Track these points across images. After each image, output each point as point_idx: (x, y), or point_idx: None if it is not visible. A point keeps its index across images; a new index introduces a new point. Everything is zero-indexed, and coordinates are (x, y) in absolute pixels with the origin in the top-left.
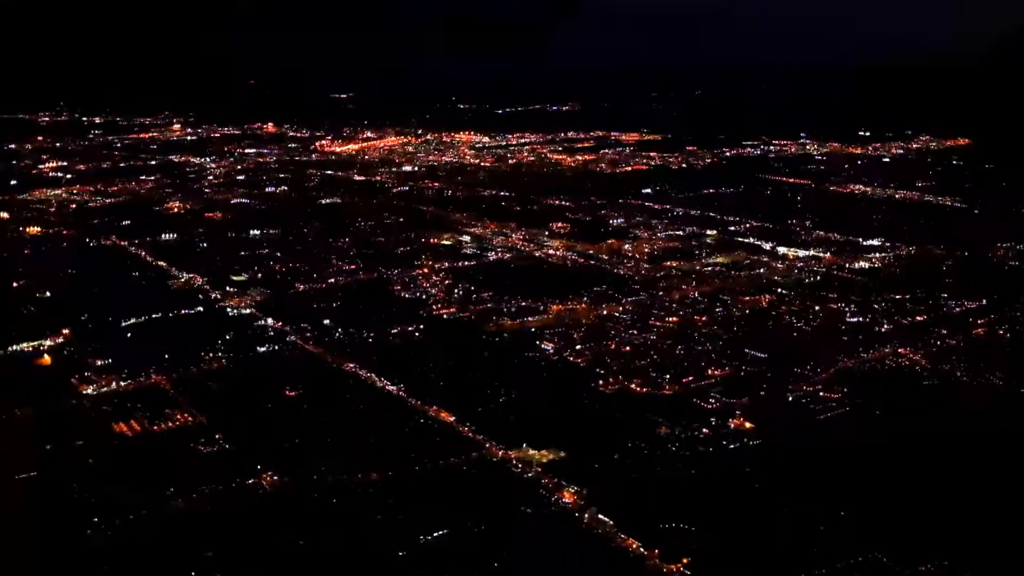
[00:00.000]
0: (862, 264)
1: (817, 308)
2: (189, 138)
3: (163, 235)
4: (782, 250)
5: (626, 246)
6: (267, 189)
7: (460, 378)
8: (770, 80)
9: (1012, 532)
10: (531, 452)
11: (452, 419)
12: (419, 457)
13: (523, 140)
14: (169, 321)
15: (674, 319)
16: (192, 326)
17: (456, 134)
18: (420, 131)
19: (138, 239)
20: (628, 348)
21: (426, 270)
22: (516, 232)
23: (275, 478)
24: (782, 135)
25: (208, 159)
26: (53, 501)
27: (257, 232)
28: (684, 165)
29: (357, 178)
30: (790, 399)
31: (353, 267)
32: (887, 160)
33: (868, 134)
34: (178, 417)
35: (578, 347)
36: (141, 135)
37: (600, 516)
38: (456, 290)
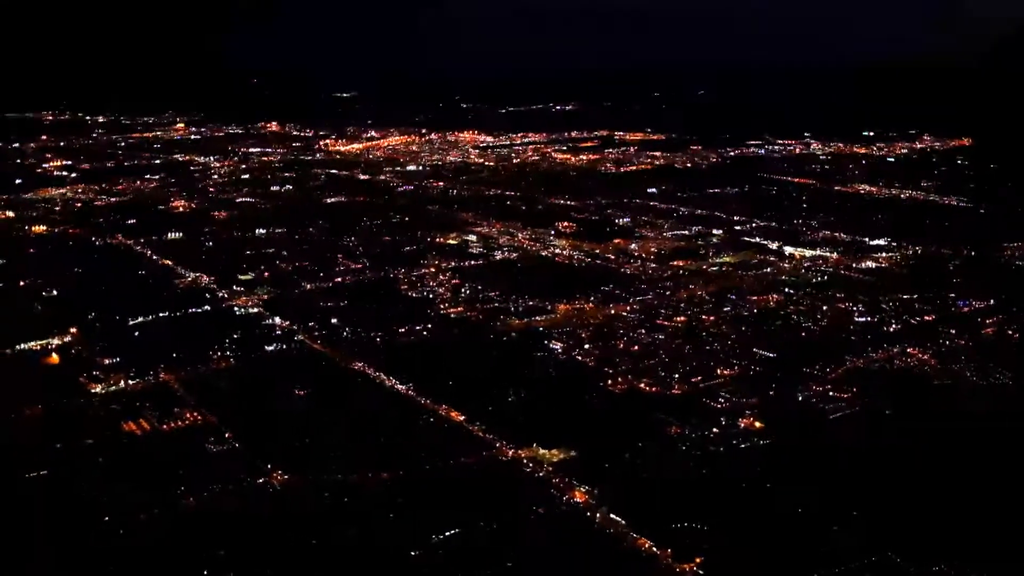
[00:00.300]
0: (869, 264)
1: (825, 308)
2: (193, 137)
3: (169, 234)
4: (789, 250)
5: (632, 246)
6: (272, 188)
7: (469, 377)
8: (771, 79)
9: (1022, 532)
10: (541, 451)
11: (462, 418)
12: (429, 456)
13: (527, 140)
14: (176, 320)
15: (682, 319)
16: (199, 325)
17: (459, 133)
18: (424, 130)
19: (144, 238)
20: (636, 348)
21: (433, 269)
22: (522, 232)
23: (285, 477)
24: (786, 135)
25: (212, 158)
26: (64, 500)
27: (263, 231)
28: (689, 165)
29: (362, 177)
30: (800, 399)
31: (359, 266)
32: (891, 160)
33: (872, 134)
34: (187, 416)
35: (586, 346)
36: (145, 134)
37: (611, 516)
38: (463, 289)
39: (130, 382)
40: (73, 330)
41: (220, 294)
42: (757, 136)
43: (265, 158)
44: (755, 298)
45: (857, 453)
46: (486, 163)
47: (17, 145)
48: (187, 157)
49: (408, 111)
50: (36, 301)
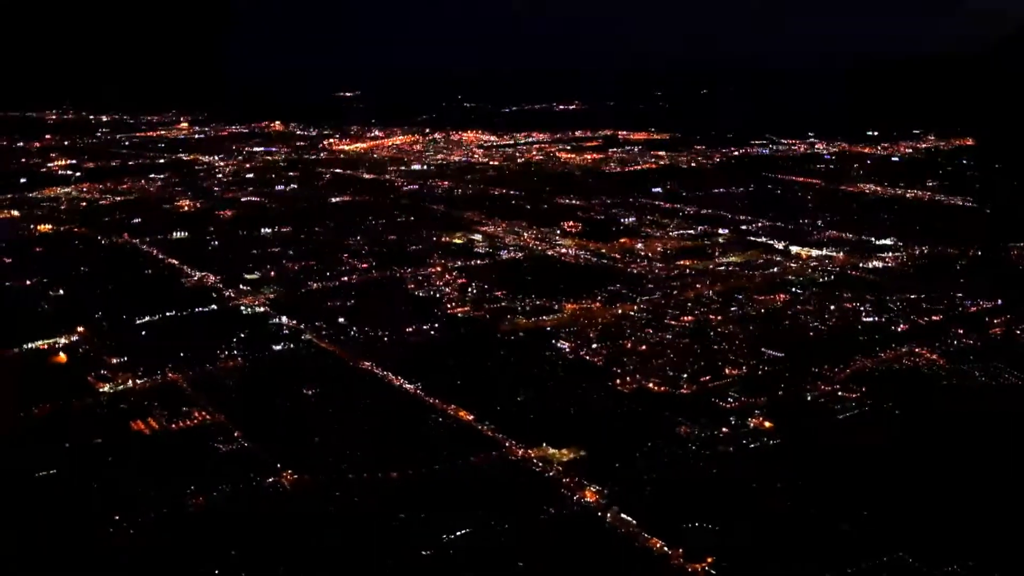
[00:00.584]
0: (875, 264)
1: (832, 307)
2: (196, 136)
3: (174, 233)
4: (795, 249)
5: (638, 245)
6: (277, 188)
7: (477, 377)
8: (772, 79)
9: None
10: (551, 451)
11: (471, 418)
12: (439, 456)
13: (531, 139)
14: (183, 319)
15: (689, 318)
16: (206, 324)
17: (463, 133)
18: (427, 129)
19: (149, 237)
20: (644, 347)
21: (439, 269)
22: (528, 231)
23: (295, 476)
24: (789, 134)
25: (217, 157)
26: (73, 499)
27: (268, 230)
28: (693, 164)
29: (366, 177)
30: (808, 399)
31: (365, 265)
32: (896, 159)
33: (876, 133)
34: (195, 415)
35: (594, 346)
36: (148, 133)
37: (623, 515)
38: (470, 289)
39: (138, 381)
40: (80, 329)
41: (226, 293)
42: (761, 136)
43: (269, 157)
44: (762, 298)
45: (867, 453)
46: (490, 162)
47: (21, 144)
48: (191, 156)
49: (411, 110)
50: (42, 300)
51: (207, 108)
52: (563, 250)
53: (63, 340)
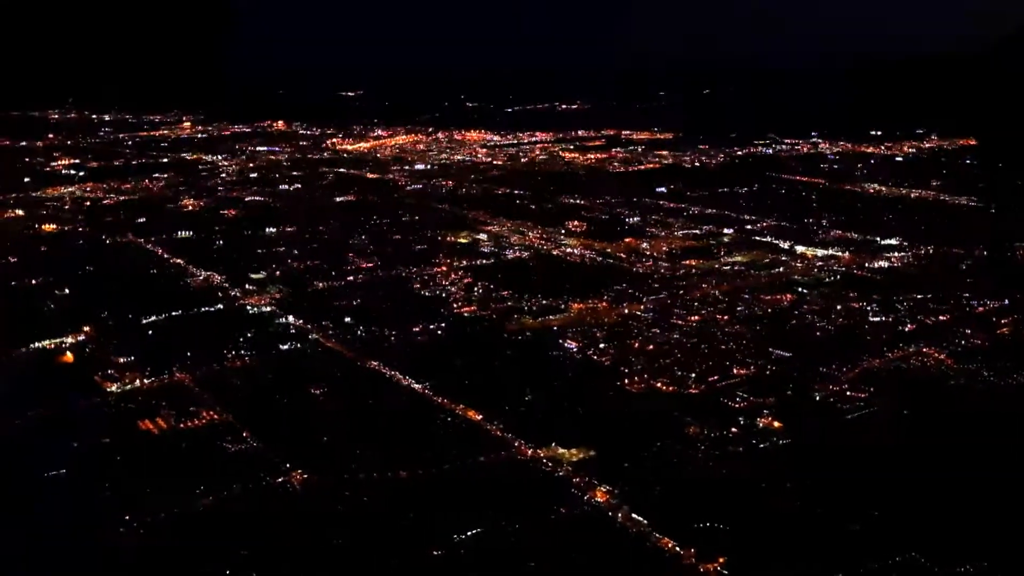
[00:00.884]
0: (881, 264)
1: (839, 307)
2: (199, 136)
3: (179, 232)
4: (800, 249)
5: (644, 244)
6: (281, 187)
7: (485, 376)
8: (774, 78)
9: None
10: (560, 451)
11: (479, 417)
12: (448, 455)
13: (534, 139)
14: (189, 319)
15: (696, 318)
16: (213, 324)
17: (466, 132)
18: (431, 129)
19: (154, 237)
20: (652, 347)
21: (444, 268)
22: (532, 230)
23: (305, 476)
24: (792, 134)
25: (220, 157)
26: (82, 499)
27: (273, 230)
28: (696, 164)
29: (370, 176)
30: (817, 398)
31: (371, 265)
32: (899, 159)
33: (879, 133)
34: (203, 415)
35: (601, 346)
36: (152, 133)
37: (633, 515)
38: (476, 288)
39: (145, 381)
40: (86, 329)
41: (232, 293)
42: (764, 135)
43: (273, 157)
44: (768, 297)
45: (876, 453)
46: (494, 162)
47: (24, 144)
48: (195, 156)
49: (414, 110)
50: (48, 300)
51: (209, 108)
52: (568, 250)
53: (69, 340)
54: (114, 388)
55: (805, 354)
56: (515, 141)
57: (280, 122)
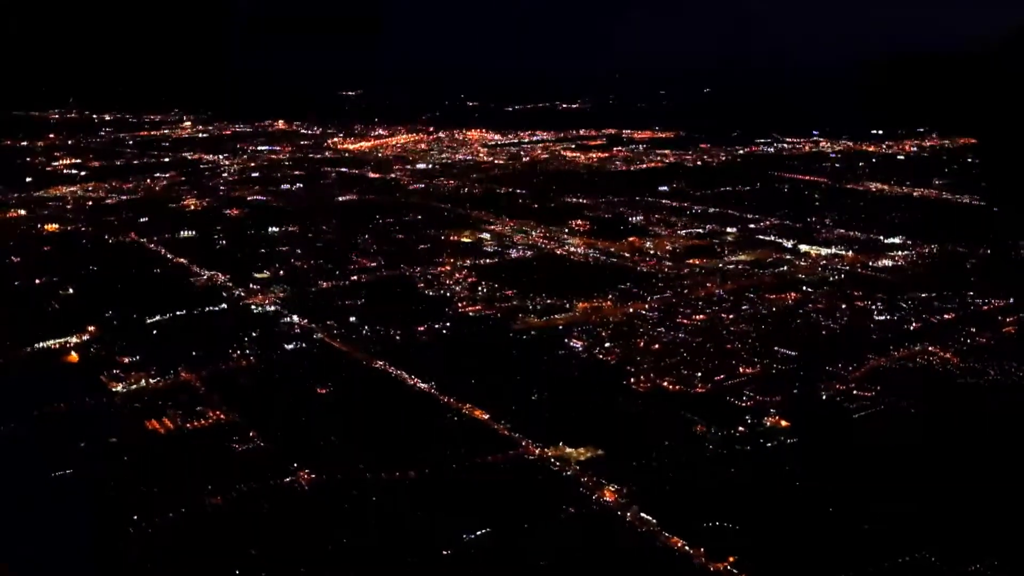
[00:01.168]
0: (885, 262)
1: (843, 306)
2: (200, 135)
3: (182, 232)
4: (804, 248)
5: (647, 244)
6: (283, 187)
7: (491, 376)
8: (774, 77)
9: None
10: (568, 450)
11: (486, 417)
12: (456, 455)
13: (535, 138)
14: (194, 318)
15: (701, 317)
16: (218, 323)
17: (467, 132)
18: (431, 129)
19: (157, 236)
20: (657, 346)
21: (448, 267)
22: (536, 229)
23: (312, 476)
24: (794, 133)
25: (221, 156)
26: (91, 499)
27: (276, 229)
28: (699, 163)
29: (372, 176)
30: (824, 397)
31: (375, 264)
32: (901, 158)
33: (880, 132)
34: (210, 415)
35: (607, 345)
36: (152, 132)
37: (642, 514)
38: (480, 287)
39: (151, 380)
40: (91, 328)
41: (236, 292)
42: (765, 134)
43: (274, 156)
44: (773, 296)
45: (884, 452)
46: (496, 161)
47: (25, 143)
48: (196, 155)
49: (414, 109)
50: (52, 299)
51: (210, 107)
52: (572, 249)
53: (74, 339)
54: (120, 388)
55: (811, 353)
56: (516, 140)
57: (281, 121)
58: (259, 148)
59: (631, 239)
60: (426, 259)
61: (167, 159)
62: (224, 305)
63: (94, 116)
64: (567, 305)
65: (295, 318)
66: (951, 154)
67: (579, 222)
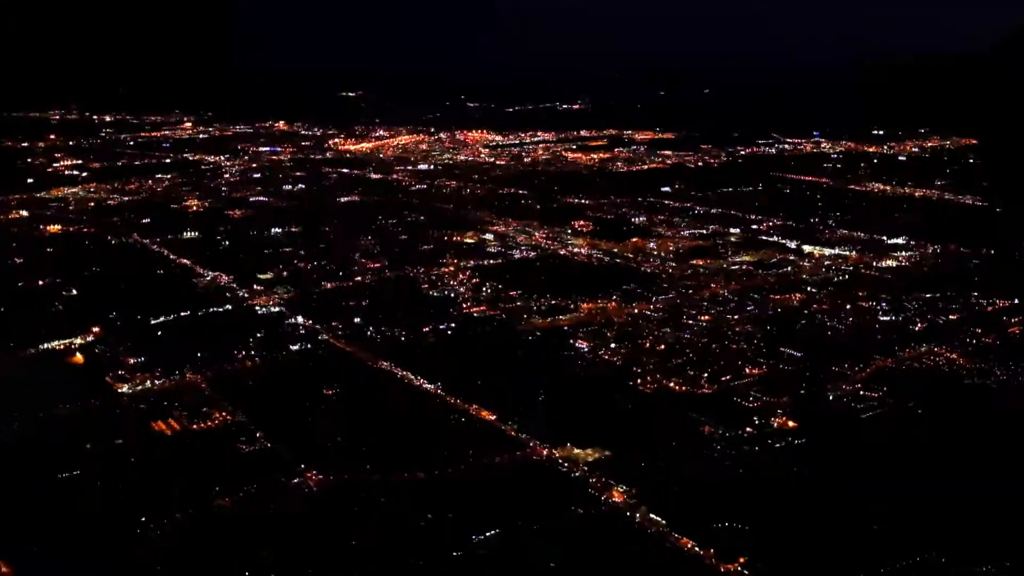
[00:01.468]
0: (889, 263)
1: (848, 307)
2: (201, 136)
3: (184, 233)
4: (808, 248)
5: (651, 244)
6: (285, 187)
7: (497, 376)
8: (775, 78)
9: None
10: (576, 451)
11: (493, 417)
12: (463, 456)
13: (536, 138)
14: (198, 319)
15: (706, 317)
16: (222, 324)
17: (468, 132)
18: (432, 129)
19: (159, 237)
20: (663, 347)
21: (452, 268)
22: (539, 230)
23: (320, 477)
24: (795, 133)
25: (223, 157)
26: (98, 500)
27: (279, 230)
28: (700, 163)
29: (373, 176)
30: (831, 398)
31: (378, 265)
32: (903, 159)
33: (881, 132)
34: (216, 416)
35: (612, 346)
36: (153, 133)
37: (651, 516)
38: (484, 288)
39: (157, 382)
40: (95, 329)
41: (240, 293)
42: (766, 135)
43: (275, 157)
44: (778, 297)
45: (892, 452)
46: (497, 162)
47: (26, 144)
48: (197, 156)
49: (415, 110)
50: (56, 301)
51: (210, 108)
52: (575, 249)
53: (79, 340)
54: (126, 389)
55: (817, 353)
56: (517, 141)
57: (281, 122)
58: (260, 149)
59: (634, 240)
60: (430, 260)
61: (168, 160)
62: (228, 306)
63: (94, 117)
64: (571, 306)
65: (300, 319)
66: (952, 154)
67: (582, 223)
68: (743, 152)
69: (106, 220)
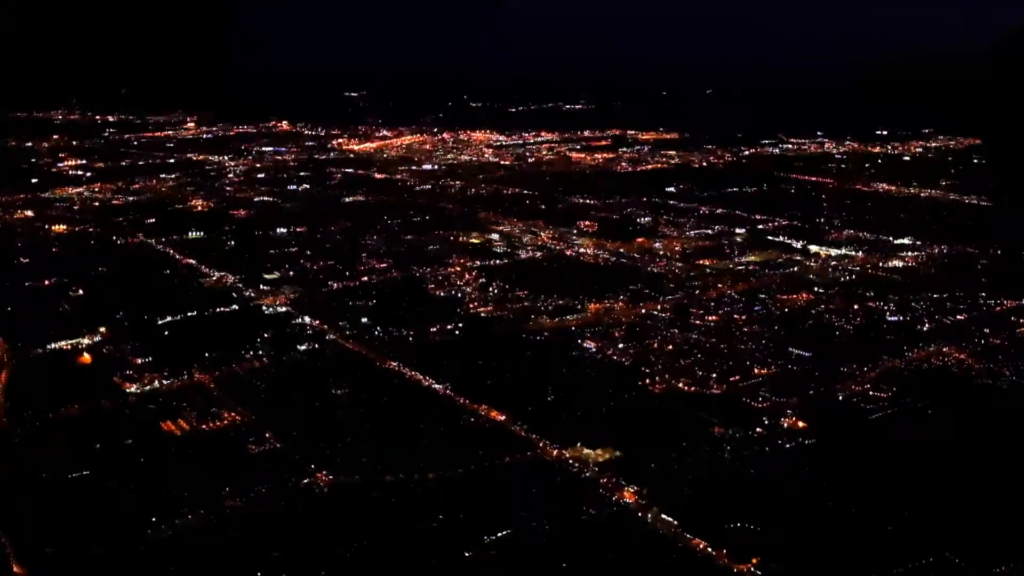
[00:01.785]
0: (896, 263)
1: (856, 307)
2: (204, 136)
3: (190, 233)
4: (814, 248)
5: (656, 244)
6: (289, 188)
7: (506, 377)
8: (776, 77)
9: None
10: (586, 451)
11: (503, 418)
12: (474, 456)
13: (540, 139)
14: (205, 319)
15: (714, 318)
16: (229, 324)
17: (472, 132)
18: (436, 130)
19: (164, 237)
20: (671, 347)
21: (458, 268)
22: (544, 230)
23: (331, 477)
24: (798, 133)
25: (226, 157)
26: (109, 500)
27: (284, 230)
28: (704, 164)
29: (378, 176)
30: (840, 398)
31: (384, 265)
32: (907, 159)
33: (885, 133)
34: (225, 416)
35: (620, 346)
36: (156, 134)
37: (663, 516)
38: (491, 288)
39: (165, 382)
40: (102, 329)
41: (247, 293)
42: (770, 135)
43: (279, 157)
44: (785, 297)
45: (903, 452)
46: (501, 162)
47: (30, 144)
48: (201, 156)
49: (418, 110)
50: (63, 300)
51: (214, 108)
52: (581, 249)
53: (86, 340)
54: (134, 389)
55: (825, 354)
56: (521, 141)
57: (284, 122)
58: (264, 149)
59: (640, 240)
60: (435, 260)
61: (172, 160)
62: (235, 306)
63: (97, 117)
64: (579, 306)
65: (307, 319)
66: (956, 155)
67: (587, 223)
68: (747, 152)
69: (111, 220)
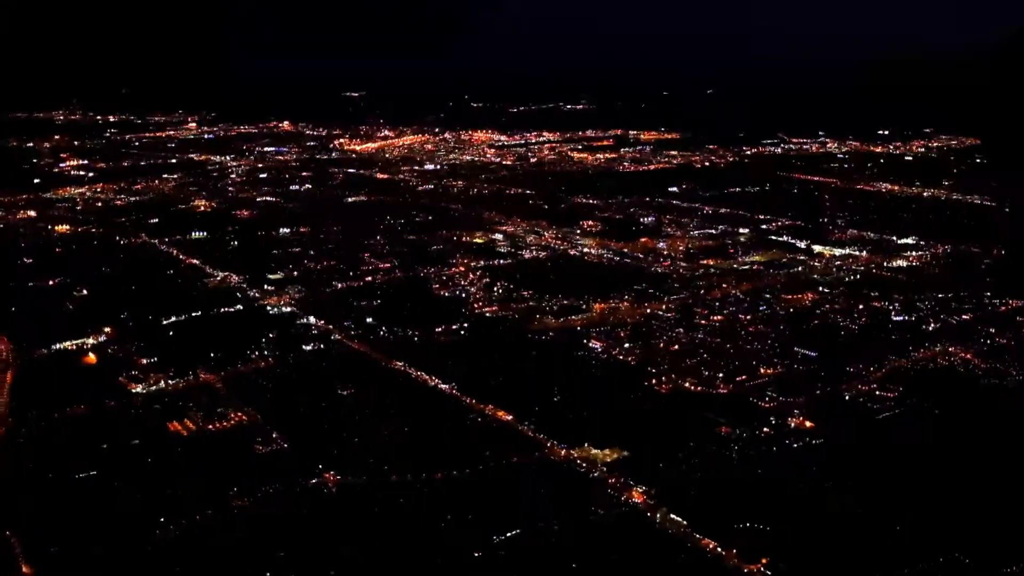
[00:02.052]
0: (900, 263)
1: (861, 307)
2: (206, 137)
3: (193, 233)
4: (817, 248)
5: (660, 244)
6: (291, 187)
7: (512, 376)
8: (777, 77)
9: None
10: (594, 451)
11: (510, 418)
12: (482, 456)
13: (541, 138)
14: (210, 319)
15: (719, 317)
16: (234, 324)
17: (473, 132)
18: (437, 129)
19: (168, 237)
20: (677, 347)
21: (462, 268)
22: (548, 230)
23: (338, 478)
24: (800, 133)
25: (228, 157)
26: (116, 501)
27: (287, 230)
28: (707, 163)
29: (380, 176)
30: (847, 398)
31: (388, 265)
32: (909, 158)
33: (887, 132)
34: (232, 416)
35: (626, 346)
36: (157, 134)
37: (672, 516)
38: (495, 288)
39: (170, 382)
40: (107, 330)
41: (251, 293)
42: (772, 135)
43: (281, 157)
44: (790, 297)
45: (911, 452)
46: (503, 162)
47: (31, 145)
48: (203, 156)
49: (419, 110)
50: (67, 301)
51: (215, 108)
52: (585, 249)
53: (91, 340)
54: (140, 389)
55: (831, 353)
56: (523, 141)
57: (286, 123)
58: (265, 149)
59: (644, 240)
60: (439, 260)
61: (174, 160)
62: (239, 306)
63: (98, 118)
64: (583, 306)
65: (312, 319)
66: (958, 154)
67: (591, 223)
68: (749, 152)
69: (114, 220)
